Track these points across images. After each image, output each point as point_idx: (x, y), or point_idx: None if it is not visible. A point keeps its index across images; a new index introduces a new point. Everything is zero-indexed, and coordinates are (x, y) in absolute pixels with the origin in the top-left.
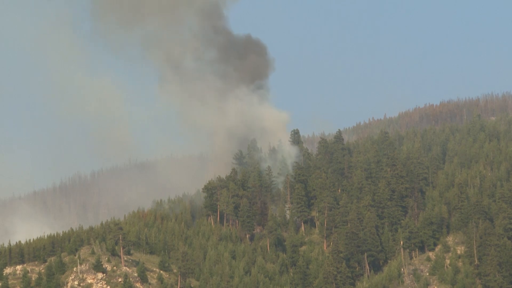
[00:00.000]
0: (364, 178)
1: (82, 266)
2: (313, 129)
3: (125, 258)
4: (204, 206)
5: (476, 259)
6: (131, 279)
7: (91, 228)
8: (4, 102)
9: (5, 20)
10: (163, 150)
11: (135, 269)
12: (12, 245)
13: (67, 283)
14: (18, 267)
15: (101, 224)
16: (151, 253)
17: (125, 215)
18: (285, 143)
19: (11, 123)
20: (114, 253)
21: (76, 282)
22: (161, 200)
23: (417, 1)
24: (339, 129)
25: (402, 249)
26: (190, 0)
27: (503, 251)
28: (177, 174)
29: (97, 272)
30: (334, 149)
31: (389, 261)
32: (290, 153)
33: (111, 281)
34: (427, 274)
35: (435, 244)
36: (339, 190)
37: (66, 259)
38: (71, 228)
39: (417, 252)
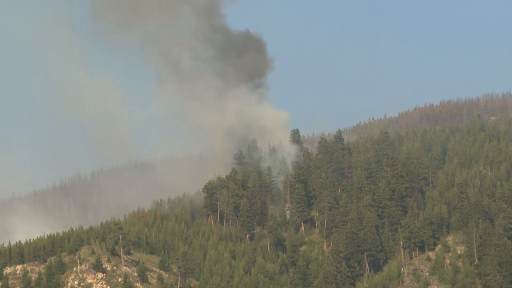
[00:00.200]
0: (364, 178)
1: (82, 266)
2: (313, 129)
3: (125, 258)
4: (204, 206)
5: (476, 259)
6: (131, 279)
7: (91, 228)
8: (4, 102)
9: (4, 20)
10: (163, 150)
11: (135, 269)
12: (12, 245)
13: (67, 283)
14: (18, 267)
15: (101, 224)
16: (151, 253)
17: (125, 215)
18: (285, 143)
19: (11, 123)
20: (114, 253)
21: (76, 282)
22: (161, 200)
23: (417, 1)
24: (339, 129)
25: (402, 249)
26: (189, 0)
27: (503, 251)
28: (177, 174)
29: (97, 272)
30: (334, 149)
31: (389, 261)
32: (290, 153)
33: (111, 281)
34: (427, 274)
35: (435, 244)
36: (339, 190)
37: (66, 259)
38: (71, 228)
39: (417, 252)
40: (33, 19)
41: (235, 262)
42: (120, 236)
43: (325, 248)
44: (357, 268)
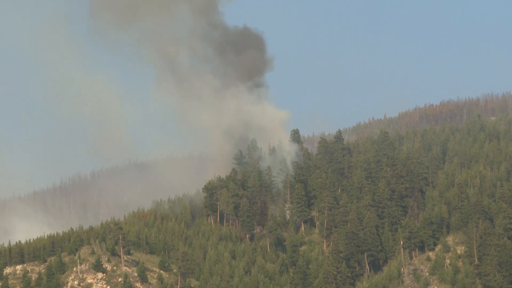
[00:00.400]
0: (364, 178)
1: (82, 266)
2: (313, 129)
3: (125, 258)
4: (204, 206)
5: (476, 259)
6: (131, 279)
7: (91, 228)
8: (4, 102)
9: (2, 20)
10: (162, 150)
11: (135, 269)
12: (12, 245)
13: (67, 283)
14: (18, 267)
15: (101, 224)
16: (151, 253)
17: (125, 215)
18: (285, 143)
19: (11, 123)
20: (114, 253)
21: (76, 282)
22: (161, 200)
23: (417, 1)
24: (339, 129)
25: (402, 249)
26: None
27: (503, 251)
28: (177, 174)
29: (97, 272)
30: (334, 149)
31: (389, 261)
32: (290, 153)
33: (111, 281)
34: (427, 274)
35: (435, 244)
36: (339, 190)
37: (66, 259)
38: (71, 228)
39: (417, 252)
40: (31, 19)
41: (235, 262)
42: (120, 236)
43: (325, 248)
44: (357, 268)
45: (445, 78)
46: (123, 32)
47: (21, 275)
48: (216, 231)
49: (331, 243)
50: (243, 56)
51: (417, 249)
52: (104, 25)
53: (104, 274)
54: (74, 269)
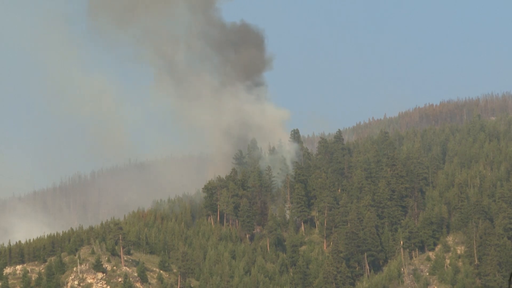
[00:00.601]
0: (364, 178)
1: (82, 266)
2: (313, 129)
3: (125, 258)
4: (204, 206)
5: (476, 259)
6: (131, 279)
7: (91, 228)
8: (4, 102)
9: (1, 20)
10: (162, 150)
11: (135, 269)
12: (12, 245)
13: (67, 283)
14: (18, 267)
15: (101, 224)
16: (151, 253)
17: (125, 215)
18: (285, 143)
19: (11, 123)
20: (114, 253)
21: (76, 282)
22: (161, 200)
23: (417, 1)
24: (339, 129)
25: (402, 249)
26: None
27: (503, 251)
28: (177, 174)
29: (97, 272)
30: (334, 149)
31: (389, 261)
32: (290, 152)
33: (111, 281)
34: (427, 274)
35: (435, 244)
36: (339, 190)
37: (66, 259)
38: (71, 228)
39: (417, 252)
40: (30, 19)
41: (235, 262)
42: (120, 236)
43: (325, 248)
44: (357, 268)
45: (445, 78)
46: (122, 32)
47: (21, 275)
48: (216, 231)
49: (331, 243)
50: (242, 55)
51: (417, 249)
52: (103, 25)
53: (104, 274)
54: (74, 269)
